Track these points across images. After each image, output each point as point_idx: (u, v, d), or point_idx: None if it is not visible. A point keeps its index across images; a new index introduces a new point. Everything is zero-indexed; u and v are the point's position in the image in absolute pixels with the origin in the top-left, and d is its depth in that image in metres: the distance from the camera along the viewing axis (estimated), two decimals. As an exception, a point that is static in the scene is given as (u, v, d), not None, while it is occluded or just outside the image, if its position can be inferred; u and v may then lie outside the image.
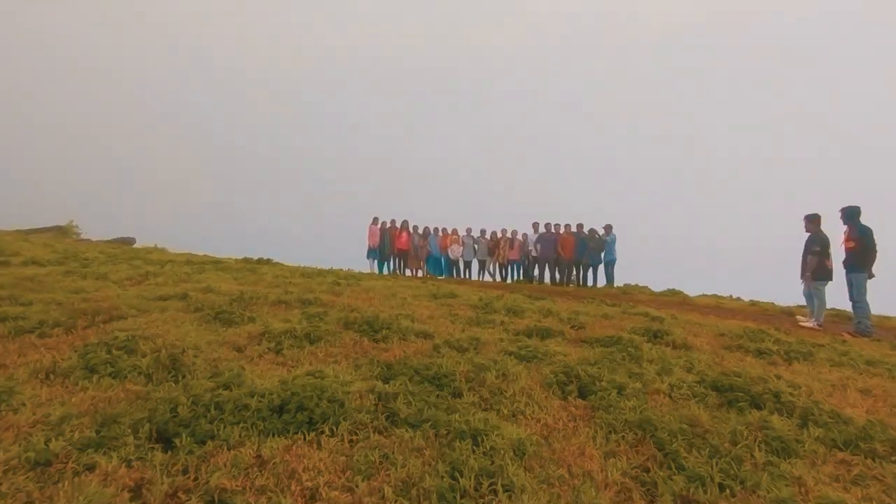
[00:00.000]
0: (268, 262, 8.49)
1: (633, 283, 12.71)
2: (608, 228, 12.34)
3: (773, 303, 9.94)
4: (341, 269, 16.77)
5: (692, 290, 12.08)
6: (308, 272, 7.28)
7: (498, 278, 14.07)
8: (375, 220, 14.20)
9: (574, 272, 12.85)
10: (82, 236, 15.70)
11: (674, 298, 10.02)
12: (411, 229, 14.37)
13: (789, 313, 8.60)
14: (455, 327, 4.25)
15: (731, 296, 11.63)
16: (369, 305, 5.01)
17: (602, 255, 12.33)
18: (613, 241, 12.18)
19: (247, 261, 8.36)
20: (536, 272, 13.50)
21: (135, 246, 15.40)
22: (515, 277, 13.75)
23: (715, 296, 11.80)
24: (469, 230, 14.16)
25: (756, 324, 6.26)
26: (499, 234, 13.86)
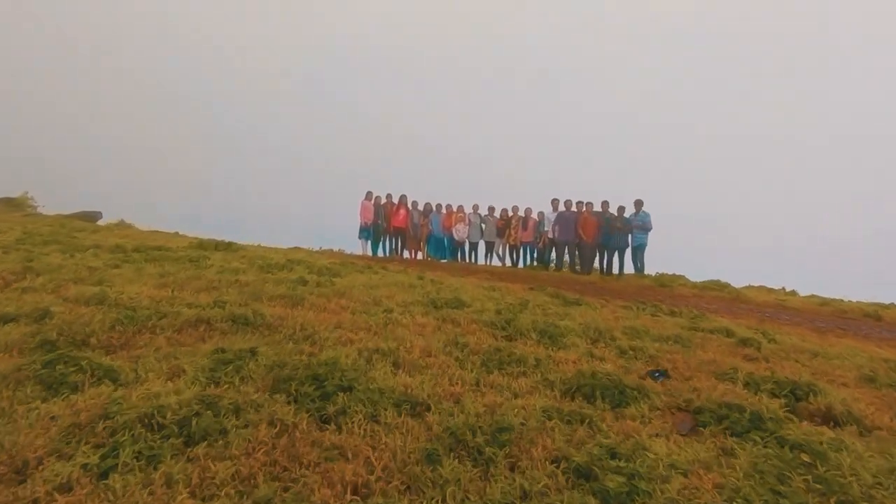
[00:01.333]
0: (227, 246, 6.81)
1: (666, 273, 11.03)
2: (638, 205, 10.51)
3: (842, 299, 8.25)
4: (332, 250, 15.13)
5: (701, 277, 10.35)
6: (271, 263, 5.60)
7: (508, 262, 12.40)
8: (369, 194, 12.42)
9: (597, 257, 11.13)
10: (39, 209, 14.05)
11: (723, 293, 8.35)
12: (410, 205, 12.61)
13: (876, 317, 6.93)
14: (465, 376, 2.59)
15: (783, 288, 9.94)
16: (335, 326, 3.35)
17: (629, 238, 10.57)
18: (645, 221, 10.39)
19: (200, 245, 6.68)
20: (553, 256, 11.82)
21: (99, 222, 13.72)
22: (528, 262, 12.07)
23: (764, 287, 10.13)
24: (476, 207, 12.38)
25: (876, 345, 4.60)
26: (510, 213, 12.09)
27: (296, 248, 15.43)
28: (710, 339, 4.06)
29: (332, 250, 15.08)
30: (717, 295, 8.21)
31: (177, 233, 13.44)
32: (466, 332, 3.50)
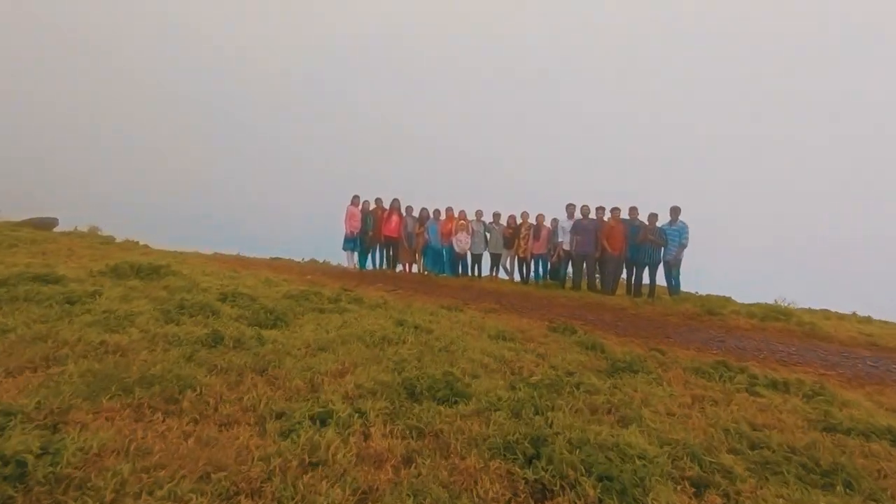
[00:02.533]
0: (154, 271, 5.17)
1: (701, 292, 9.33)
2: (675, 212, 8.79)
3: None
4: (316, 262, 13.48)
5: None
6: (190, 303, 3.94)
7: (517, 277, 10.75)
8: (355, 198, 10.77)
9: (623, 274, 9.43)
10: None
11: (790, 325, 6.62)
12: (404, 211, 10.98)
13: None
14: None
15: (854, 314, 8.19)
16: (200, 478, 1.69)
17: (662, 252, 8.86)
18: (681, 234, 8.66)
19: (115, 271, 5.05)
20: (570, 271, 10.12)
21: (55, 230, 12.16)
22: (541, 276, 10.37)
23: (829, 312, 8.38)
24: (479, 214, 10.73)
25: None
26: (518, 220, 10.43)
27: (275, 258, 13.86)
28: (876, 456, 2.37)
29: (316, 262, 13.49)
30: (785, 328, 6.49)
31: (138, 243, 11.88)
32: (459, 476, 1.83)
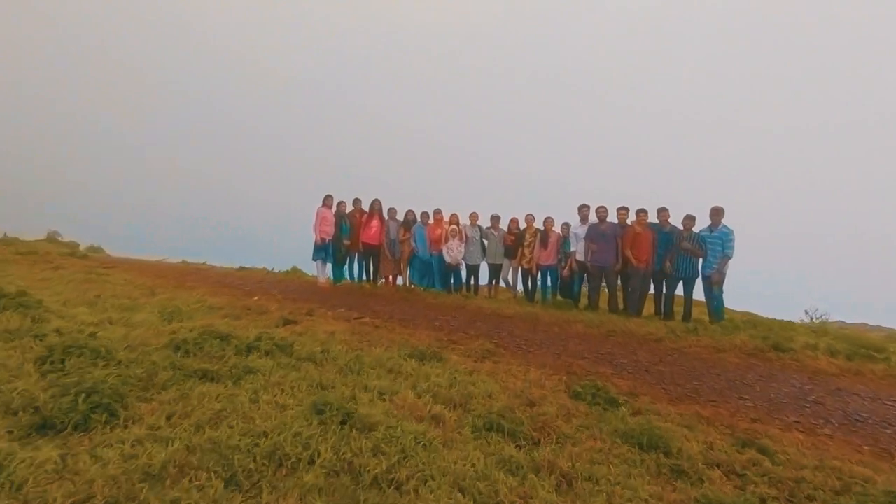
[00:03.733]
0: (15, 297, 3.54)
1: (753, 312, 7.60)
2: (717, 214, 7.03)
3: None
4: (296, 269, 11.82)
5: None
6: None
7: (520, 287, 9.06)
8: (328, 199, 9.05)
9: (652, 291, 7.71)
10: None
11: (892, 368, 4.88)
12: (386, 214, 9.30)
13: None
14: None
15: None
16: None
17: (700, 264, 7.14)
18: (724, 241, 6.92)
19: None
20: (585, 286, 8.41)
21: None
22: (550, 291, 8.64)
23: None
24: (475, 217, 9.04)
25: None
26: (523, 225, 8.73)
27: (242, 268, 12.22)
28: None
29: (299, 271, 11.81)
30: (888, 372, 4.75)
31: (100, 249, 10.30)
32: None
